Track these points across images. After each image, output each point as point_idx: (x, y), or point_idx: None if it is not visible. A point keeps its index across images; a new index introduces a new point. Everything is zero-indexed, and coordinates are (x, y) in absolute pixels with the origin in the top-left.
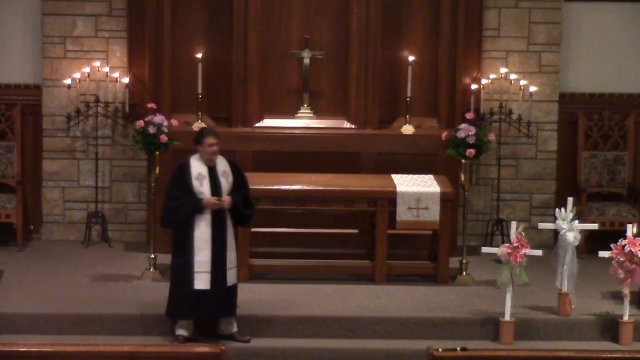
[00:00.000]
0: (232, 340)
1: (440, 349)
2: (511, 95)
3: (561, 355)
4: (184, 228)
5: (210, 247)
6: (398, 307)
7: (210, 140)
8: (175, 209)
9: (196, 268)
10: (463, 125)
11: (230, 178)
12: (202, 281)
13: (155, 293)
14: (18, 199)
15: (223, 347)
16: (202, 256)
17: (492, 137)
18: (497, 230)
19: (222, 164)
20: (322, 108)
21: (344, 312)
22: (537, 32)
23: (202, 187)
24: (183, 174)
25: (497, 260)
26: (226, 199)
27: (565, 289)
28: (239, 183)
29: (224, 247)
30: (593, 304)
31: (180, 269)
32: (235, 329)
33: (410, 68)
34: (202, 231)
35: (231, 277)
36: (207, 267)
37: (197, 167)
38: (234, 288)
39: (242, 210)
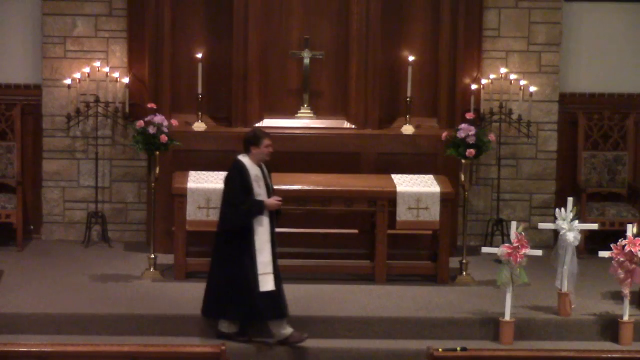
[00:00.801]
0: (286, 343)
1: (440, 349)
2: (511, 95)
3: (561, 355)
4: (243, 231)
5: (270, 247)
6: (398, 307)
7: (267, 141)
8: (246, 212)
9: (260, 270)
10: (463, 125)
11: (269, 178)
12: (267, 282)
13: (155, 293)
14: (18, 199)
15: (223, 347)
16: (263, 257)
17: (492, 137)
18: (497, 230)
19: (263, 165)
20: (322, 108)
21: (344, 312)
22: (537, 32)
23: (260, 189)
24: (243, 176)
25: (497, 260)
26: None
27: (565, 289)
28: (271, 183)
29: (275, 247)
30: (593, 304)
31: (242, 272)
32: (289, 331)
33: (410, 68)
34: (262, 232)
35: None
36: (270, 267)
37: (252, 168)
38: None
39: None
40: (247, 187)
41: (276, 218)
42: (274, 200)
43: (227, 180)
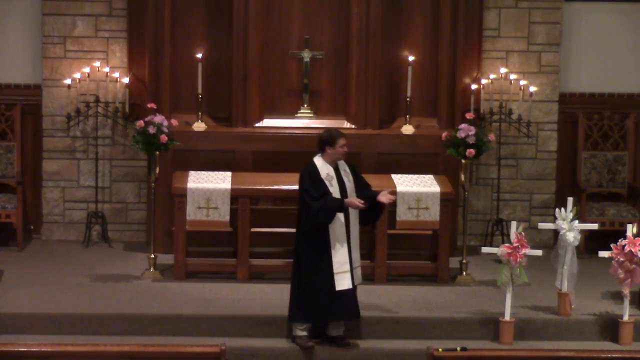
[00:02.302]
0: (334, 343)
1: (440, 349)
2: (511, 95)
3: (561, 355)
4: (321, 229)
5: (346, 246)
6: (398, 307)
7: (342, 141)
8: (319, 209)
9: (336, 269)
10: (463, 125)
11: (351, 178)
12: (343, 281)
13: (155, 293)
14: (18, 199)
15: (223, 347)
16: (339, 256)
17: (492, 137)
18: (497, 230)
19: (342, 165)
20: (322, 108)
21: None
22: (537, 32)
23: (332, 187)
24: (314, 174)
25: (497, 260)
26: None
27: (565, 289)
28: (363, 182)
29: (350, 247)
30: (593, 304)
31: (320, 271)
32: (341, 332)
33: (410, 68)
34: (338, 231)
35: (357, 276)
36: (347, 266)
37: (324, 167)
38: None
39: (382, 210)
40: (320, 185)
41: (370, 217)
42: (356, 200)
43: (299, 183)
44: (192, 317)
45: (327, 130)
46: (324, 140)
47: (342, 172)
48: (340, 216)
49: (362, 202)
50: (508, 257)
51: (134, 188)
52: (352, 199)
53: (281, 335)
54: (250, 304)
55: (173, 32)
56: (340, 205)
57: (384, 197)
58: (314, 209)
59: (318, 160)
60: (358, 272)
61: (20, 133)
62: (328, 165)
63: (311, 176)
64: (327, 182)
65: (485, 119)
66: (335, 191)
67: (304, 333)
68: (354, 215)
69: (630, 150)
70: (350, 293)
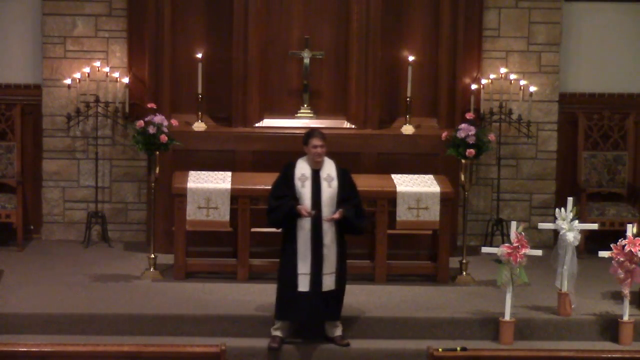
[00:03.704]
0: (333, 343)
1: (440, 349)
2: (511, 95)
3: (561, 355)
4: (291, 229)
5: (311, 250)
6: (398, 307)
7: (315, 141)
8: (273, 209)
9: (300, 270)
10: (463, 125)
11: (335, 183)
12: (304, 283)
13: (155, 293)
14: (18, 199)
15: (223, 347)
16: (305, 258)
17: (492, 137)
18: (497, 230)
19: (329, 168)
20: (322, 108)
21: (344, 312)
22: (537, 32)
23: (303, 189)
24: (288, 172)
25: (497, 260)
26: (337, 214)
27: (565, 289)
28: (348, 191)
29: (320, 252)
30: (593, 304)
31: (286, 270)
32: (338, 332)
33: (410, 68)
34: (305, 234)
35: (328, 282)
36: (308, 269)
37: (302, 167)
38: (338, 293)
39: (353, 222)
40: (289, 184)
41: (348, 229)
42: (304, 210)
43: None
44: (192, 317)
45: (309, 129)
46: (302, 140)
47: (325, 176)
48: (307, 220)
49: (310, 212)
50: (508, 257)
51: (134, 188)
52: (302, 206)
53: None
54: (250, 304)
55: (173, 32)
56: (291, 211)
57: (329, 216)
58: (270, 207)
59: (300, 160)
60: (329, 278)
61: (20, 133)
62: (307, 165)
63: (282, 175)
64: (299, 183)
65: (485, 119)
66: (306, 193)
67: (276, 333)
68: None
69: (630, 150)
70: (314, 296)
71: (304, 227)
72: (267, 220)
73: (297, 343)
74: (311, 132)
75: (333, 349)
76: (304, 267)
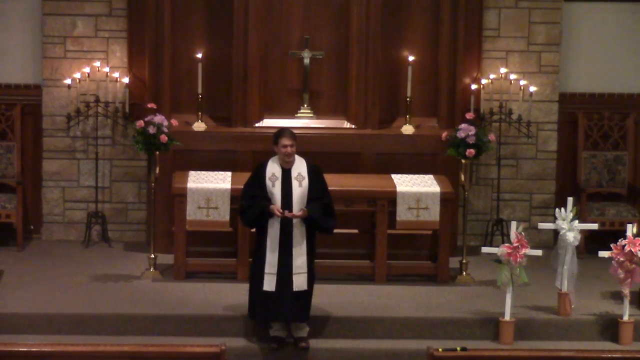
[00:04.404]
0: (294, 344)
1: (440, 349)
2: (511, 95)
3: (561, 355)
4: (261, 229)
5: (279, 249)
6: (398, 307)
7: (284, 141)
8: (245, 209)
9: (266, 269)
10: (463, 125)
11: (306, 182)
12: (269, 283)
13: (155, 293)
14: (18, 199)
15: (223, 347)
16: (272, 258)
17: (492, 137)
18: (497, 230)
19: (299, 168)
20: (322, 108)
21: (344, 312)
22: (537, 32)
23: (274, 189)
24: (259, 172)
25: (497, 260)
26: (300, 212)
27: (565, 289)
28: (318, 191)
29: (290, 251)
30: (593, 304)
31: (255, 270)
32: (302, 334)
33: (410, 68)
34: (274, 233)
35: (298, 282)
36: (274, 269)
37: (272, 167)
38: (305, 294)
39: (319, 222)
40: (260, 184)
41: (316, 228)
42: (276, 209)
43: None
44: (192, 317)
45: (279, 128)
46: (272, 139)
47: (296, 175)
48: (276, 219)
49: (283, 211)
50: (508, 257)
51: (134, 188)
52: (274, 206)
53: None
54: None
55: (173, 32)
56: (263, 210)
57: (292, 212)
58: (242, 207)
59: (271, 160)
60: (300, 278)
61: (20, 133)
62: (277, 165)
63: (254, 175)
64: (270, 183)
65: (485, 119)
66: (276, 192)
67: (275, 333)
68: (298, 220)
69: (630, 150)
70: (282, 296)
71: (274, 226)
72: (240, 221)
73: (296, 343)
74: (281, 132)
75: (333, 349)
76: (270, 267)
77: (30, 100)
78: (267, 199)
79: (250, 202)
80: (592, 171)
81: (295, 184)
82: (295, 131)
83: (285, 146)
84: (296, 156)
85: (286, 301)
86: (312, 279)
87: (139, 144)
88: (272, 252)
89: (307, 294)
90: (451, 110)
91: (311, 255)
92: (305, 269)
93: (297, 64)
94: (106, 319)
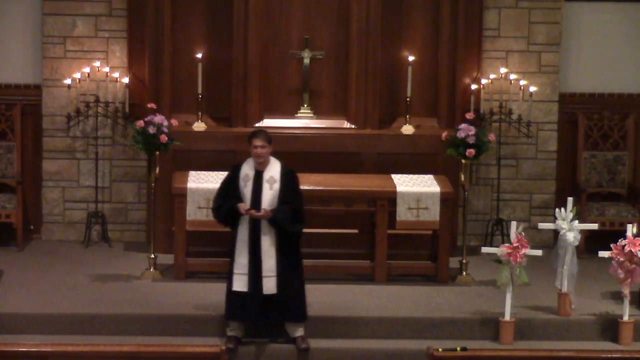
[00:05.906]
0: (294, 344)
1: (440, 349)
2: (511, 95)
3: (561, 355)
4: (234, 229)
5: (247, 251)
6: (398, 307)
7: (256, 142)
8: (217, 208)
9: (236, 270)
10: (463, 125)
11: (277, 186)
12: (239, 283)
13: (155, 293)
14: (18, 199)
15: (223, 347)
16: (241, 258)
17: (492, 137)
18: (497, 230)
19: (273, 170)
20: (322, 108)
21: (344, 312)
22: (537, 32)
23: (245, 189)
24: (234, 172)
25: (497, 260)
26: (262, 212)
27: (565, 289)
28: (289, 195)
29: (259, 253)
30: (593, 304)
31: (229, 270)
32: (298, 333)
33: (410, 68)
34: (243, 234)
35: (268, 285)
36: (245, 269)
37: (247, 168)
38: (294, 295)
39: (282, 225)
40: (234, 184)
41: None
42: (243, 207)
43: None
44: (192, 317)
45: (254, 129)
46: (247, 139)
47: (267, 178)
48: (245, 220)
49: (248, 209)
50: (508, 257)
51: (134, 188)
52: (241, 204)
53: (281, 335)
54: None
55: (173, 32)
56: (231, 209)
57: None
58: (214, 205)
59: (247, 161)
60: (269, 281)
61: (20, 133)
62: (251, 166)
63: (229, 175)
64: (242, 183)
65: (485, 119)
66: (247, 193)
67: (232, 333)
68: (267, 222)
69: (630, 150)
70: (252, 297)
71: (243, 226)
72: (214, 218)
73: (295, 343)
74: (255, 132)
75: (333, 350)
76: (239, 267)
77: (30, 100)
78: (240, 199)
79: (223, 201)
80: (592, 171)
81: (266, 186)
82: (296, 131)
83: (255, 147)
84: (271, 158)
85: (256, 303)
86: (296, 280)
87: (138, 144)
88: (240, 253)
89: (298, 295)
90: (451, 110)
91: (293, 258)
92: (274, 272)
93: (297, 64)
94: (106, 319)
